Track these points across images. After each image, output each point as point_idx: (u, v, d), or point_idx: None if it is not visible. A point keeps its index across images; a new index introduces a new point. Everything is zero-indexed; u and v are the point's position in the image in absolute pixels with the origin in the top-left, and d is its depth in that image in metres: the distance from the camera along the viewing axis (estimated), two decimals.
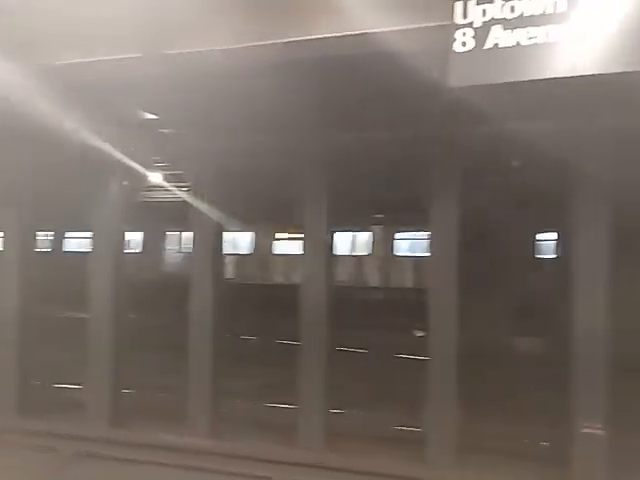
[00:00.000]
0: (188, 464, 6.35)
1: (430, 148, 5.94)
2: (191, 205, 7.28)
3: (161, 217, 14.14)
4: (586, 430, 5.24)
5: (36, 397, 7.97)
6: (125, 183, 8.04)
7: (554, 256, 14.55)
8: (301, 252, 7.05)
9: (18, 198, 7.86)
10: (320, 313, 6.44)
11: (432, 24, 3.42)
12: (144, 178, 7.96)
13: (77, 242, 17.42)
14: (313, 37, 3.89)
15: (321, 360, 6.36)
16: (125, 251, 8.16)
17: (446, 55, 3.15)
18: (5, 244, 8.28)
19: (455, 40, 3.04)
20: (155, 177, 8.23)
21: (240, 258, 15.53)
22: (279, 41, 3.94)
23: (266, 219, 14.15)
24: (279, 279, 15.33)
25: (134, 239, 16.47)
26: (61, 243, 17.37)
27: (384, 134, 6.18)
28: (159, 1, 4.02)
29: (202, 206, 7.12)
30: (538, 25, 3.10)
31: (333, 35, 3.86)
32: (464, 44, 3.04)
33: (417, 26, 3.38)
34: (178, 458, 6.43)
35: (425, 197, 6.18)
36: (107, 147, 6.70)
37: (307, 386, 6.47)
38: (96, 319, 7.53)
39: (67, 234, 17.51)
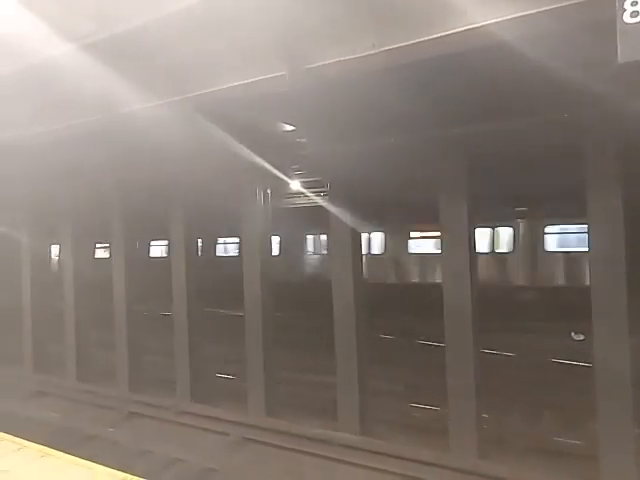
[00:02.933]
0: (336, 457, 6.64)
1: (586, 133, 5.34)
2: (328, 209, 7.58)
3: (301, 221, 14.88)
4: None
5: (205, 386, 9.03)
6: (269, 191, 8.73)
7: None
8: (439, 250, 6.89)
9: (182, 213, 9.01)
10: (464, 313, 6.22)
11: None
12: (285, 185, 8.51)
13: (222, 247, 19.33)
14: (446, 33, 3.79)
15: (467, 362, 6.13)
16: (271, 254, 8.77)
17: (611, 29, 2.80)
18: (172, 251, 9.56)
19: (625, 11, 2.69)
20: (295, 184, 8.75)
21: (374, 258, 15.64)
22: (411, 42, 3.91)
23: (400, 218, 14.01)
24: (415, 279, 15.03)
25: (280, 242, 17.63)
26: (214, 248, 19.27)
27: (528, 121, 5.74)
28: (296, 22, 4.25)
29: (339, 209, 7.37)
30: None
31: (470, 27, 3.71)
32: (636, 14, 2.66)
33: (574, 2, 3.07)
34: (326, 450, 6.76)
35: (582, 186, 5.56)
36: (252, 159, 7.31)
37: (455, 388, 6.28)
38: (249, 317, 8.26)
39: (219, 239, 19.33)
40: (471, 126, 5.95)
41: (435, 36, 3.79)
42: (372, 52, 3.96)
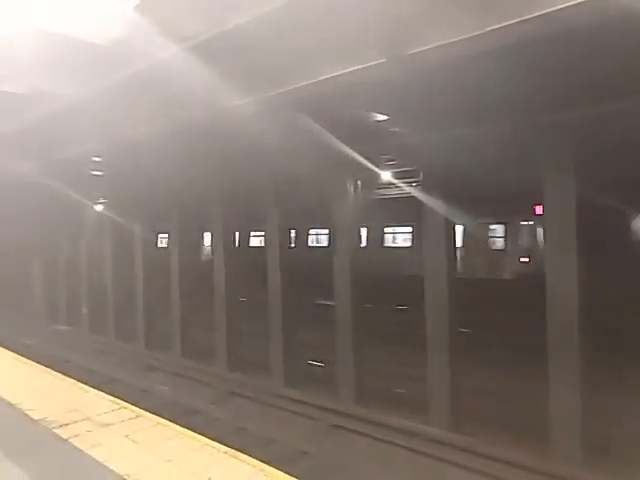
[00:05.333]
0: (427, 451, 6.53)
1: None
2: (420, 200, 7.39)
3: (391, 212, 14.72)
4: None
5: (296, 372, 9.34)
6: (359, 182, 8.72)
7: None
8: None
9: (276, 205, 9.34)
10: (571, 312, 5.74)
11: None
12: (376, 176, 8.45)
13: (315, 237, 19.68)
14: (549, 10, 3.45)
15: (576, 365, 5.65)
16: (361, 245, 8.79)
17: None
18: (267, 241, 9.95)
19: None
20: (386, 175, 8.65)
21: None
22: (518, 19, 3.61)
23: (486, 209, 13.19)
24: (503, 273, 14.08)
25: (373, 234, 17.65)
26: (306, 239, 19.72)
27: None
28: (395, 7, 4.14)
29: (431, 200, 7.16)
30: None
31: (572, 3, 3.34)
32: None
33: None
34: (417, 443, 6.67)
35: None
36: (344, 150, 7.33)
37: (560, 394, 5.83)
38: (340, 306, 8.37)
39: (311, 231, 19.73)
40: (579, 110, 5.43)
41: (546, 11, 3.46)
42: (478, 33, 3.70)
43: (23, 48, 5.26)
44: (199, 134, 6.97)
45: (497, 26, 3.42)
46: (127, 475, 3.50)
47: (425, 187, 7.29)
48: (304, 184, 9.31)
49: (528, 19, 3.37)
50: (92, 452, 3.88)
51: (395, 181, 9.32)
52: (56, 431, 4.33)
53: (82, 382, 6.11)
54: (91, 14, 4.41)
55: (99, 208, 14.38)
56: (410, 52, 3.83)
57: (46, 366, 6.72)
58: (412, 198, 7.78)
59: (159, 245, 17.98)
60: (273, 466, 3.72)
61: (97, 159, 9.93)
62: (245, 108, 5.43)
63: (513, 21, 3.38)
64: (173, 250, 12.10)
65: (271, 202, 9.25)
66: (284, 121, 6.27)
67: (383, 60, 4.00)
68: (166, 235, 15.28)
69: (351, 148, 7.23)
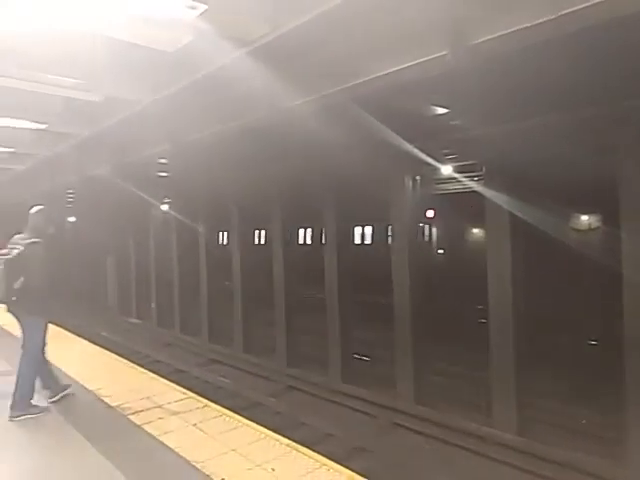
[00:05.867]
0: (491, 455, 6.32)
1: None
2: (483, 194, 7.14)
3: (451, 207, 14.30)
4: None
5: (354, 368, 9.35)
6: (417, 177, 8.56)
7: None
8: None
9: (333, 199, 9.37)
10: None
11: None
12: (435, 171, 8.25)
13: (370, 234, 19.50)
14: None
15: None
16: (419, 241, 8.62)
17: None
18: (327, 238, 9.98)
19: None
20: (445, 169, 8.41)
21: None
22: (587, 4, 3.35)
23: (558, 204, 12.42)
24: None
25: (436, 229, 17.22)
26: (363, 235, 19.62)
27: None
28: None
29: (494, 194, 6.90)
30: None
31: None
32: None
33: None
34: (480, 446, 6.49)
35: None
36: (403, 145, 7.20)
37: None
38: (398, 303, 8.26)
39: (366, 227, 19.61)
40: None
41: None
42: (550, 17, 3.47)
43: (97, 57, 5.60)
44: (260, 135, 7.12)
45: (572, 9, 3.18)
46: (196, 462, 3.66)
47: (486, 181, 7.04)
48: (362, 181, 9.27)
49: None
50: (164, 439, 4.09)
51: (456, 175, 9.03)
52: (131, 417, 4.59)
53: (152, 372, 6.45)
54: (159, 23, 4.61)
55: (164, 208, 15.11)
56: (474, 42, 3.68)
57: (119, 355, 7.13)
58: (478, 192, 7.48)
59: (220, 242, 18.63)
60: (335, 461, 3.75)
61: (163, 161, 10.41)
62: (304, 107, 5.48)
63: (589, 4, 3.14)
64: (233, 248, 12.48)
65: (326, 200, 9.31)
66: (343, 119, 6.26)
67: (445, 52, 3.87)
68: (226, 232, 15.77)
69: (410, 143, 7.10)
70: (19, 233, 4.72)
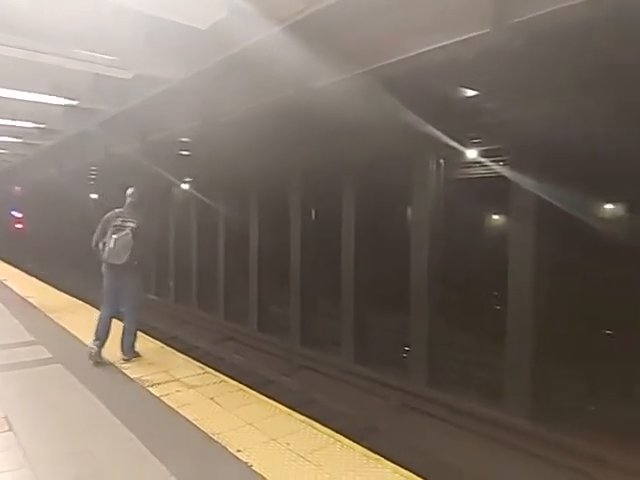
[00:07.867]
0: (501, 438, 6.34)
1: None
2: (510, 179, 7.05)
3: (476, 192, 14.03)
4: None
5: (366, 349, 9.36)
6: (441, 161, 8.47)
7: None
8: None
9: (354, 186, 9.34)
10: None
11: None
12: (461, 154, 8.13)
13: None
14: None
15: None
16: (442, 227, 8.47)
17: None
18: (344, 223, 9.91)
19: None
20: (471, 153, 8.29)
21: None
22: None
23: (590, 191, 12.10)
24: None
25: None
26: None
27: None
28: None
29: (522, 179, 6.81)
30: None
31: None
32: None
33: None
34: (490, 429, 6.48)
35: None
36: (428, 128, 7.11)
37: None
38: (415, 286, 8.20)
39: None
40: None
41: None
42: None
43: (129, 34, 5.63)
44: (289, 114, 7.08)
45: None
46: (213, 434, 3.73)
47: (512, 165, 6.94)
48: (385, 164, 9.18)
49: None
50: (182, 411, 4.19)
51: (481, 159, 8.90)
52: (150, 389, 4.71)
53: (169, 346, 6.55)
54: None
55: (185, 187, 15.17)
56: (517, 20, 3.58)
57: (137, 330, 7.31)
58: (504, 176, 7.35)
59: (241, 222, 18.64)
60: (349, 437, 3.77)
61: (185, 139, 10.39)
62: (335, 87, 5.44)
63: None
64: (252, 228, 12.53)
65: (348, 184, 9.29)
66: (368, 100, 6.19)
67: (486, 30, 3.78)
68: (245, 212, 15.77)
69: (436, 126, 7.02)
70: (117, 208, 5.64)
